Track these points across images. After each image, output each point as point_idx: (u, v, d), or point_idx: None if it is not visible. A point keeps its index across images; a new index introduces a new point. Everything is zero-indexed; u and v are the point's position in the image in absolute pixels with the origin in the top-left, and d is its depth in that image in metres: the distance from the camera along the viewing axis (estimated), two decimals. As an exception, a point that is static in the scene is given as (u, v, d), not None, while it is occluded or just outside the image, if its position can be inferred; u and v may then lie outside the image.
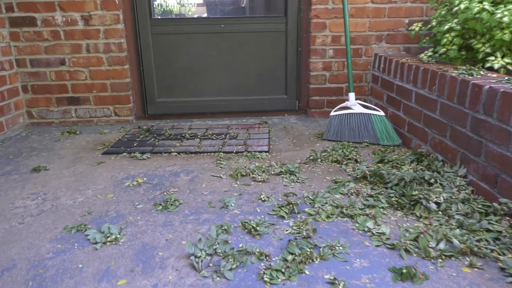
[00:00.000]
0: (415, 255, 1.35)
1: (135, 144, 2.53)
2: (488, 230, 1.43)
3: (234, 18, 2.97)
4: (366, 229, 1.51)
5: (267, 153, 2.35)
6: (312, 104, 3.07)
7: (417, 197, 1.63)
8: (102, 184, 1.98)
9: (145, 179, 2.03)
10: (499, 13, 1.93)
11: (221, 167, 2.16)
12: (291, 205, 1.66)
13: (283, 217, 1.62)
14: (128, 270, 1.30)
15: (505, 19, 1.91)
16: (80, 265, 1.33)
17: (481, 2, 2.07)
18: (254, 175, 2.02)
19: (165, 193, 1.87)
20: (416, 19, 2.88)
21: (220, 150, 2.40)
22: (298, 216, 1.62)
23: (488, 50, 2.05)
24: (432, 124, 2.09)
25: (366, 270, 1.28)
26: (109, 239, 1.47)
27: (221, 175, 2.05)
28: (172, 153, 2.38)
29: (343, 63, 2.97)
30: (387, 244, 1.41)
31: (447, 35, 2.19)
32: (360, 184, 1.89)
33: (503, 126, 1.53)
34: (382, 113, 2.46)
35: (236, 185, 1.94)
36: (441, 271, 1.26)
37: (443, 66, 2.15)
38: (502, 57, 2.01)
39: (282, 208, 1.66)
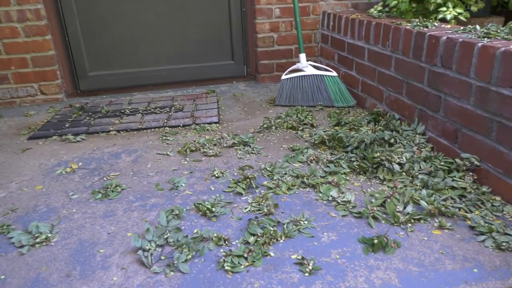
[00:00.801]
0: (383, 221, 1.27)
1: (67, 125, 2.23)
2: (453, 188, 1.38)
3: (169, -24, 2.67)
4: (330, 198, 1.40)
5: (218, 124, 2.17)
6: (261, 68, 2.89)
7: (379, 159, 1.55)
8: (29, 175, 1.70)
9: (80, 164, 1.78)
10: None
11: (167, 144, 1.96)
12: (248, 180, 1.51)
13: (240, 194, 1.47)
14: (63, 276, 1.10)
15: (457, -35, 1.83)
16: (3, 276, 1.11)
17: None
18: (205, 150, 1.84)
19: (104, 179, 1.64)
20: (362, -27, 2.75)
21: (165, 125, 2.17)
22: (257, 191, 1.48)
23: (439, 1, 1.97)
24: (387, 82, 2.01)
25: (335, 244, 1.17)
26: (38, 240, 1.24)
27: (168, 153, 1.85)
28: (111, 132, 2.13)
29: (291, 23, 2.80)
30: (353, 212, 1.32)
31: (397, -14, 2.08)
32: (319, 150, 1.78)
33: (463, 78, 1.47)
34: (334, 73, 2.35)
35: (185, 163, 1.75)
36: (412, 237, 1.19)
37: (395, 20, 2.05)
38: (454, 7, 1.94)
39: (239, 183, 1.51)
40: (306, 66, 2.40)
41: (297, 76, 2.39)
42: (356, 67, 2.33)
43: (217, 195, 1.46)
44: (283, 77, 2.42)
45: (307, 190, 1.48)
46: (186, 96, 2.69)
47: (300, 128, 2.03)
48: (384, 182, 1.49)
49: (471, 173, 1.43)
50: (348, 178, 1.53)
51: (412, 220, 1.26)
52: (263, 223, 1.25)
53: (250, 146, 1.86)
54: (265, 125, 2.09)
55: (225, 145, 1.88)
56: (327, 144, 1.80)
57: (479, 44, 1.37)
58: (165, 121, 2.23)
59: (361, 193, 1.44)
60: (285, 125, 2.06)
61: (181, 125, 2.17)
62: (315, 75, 2.36)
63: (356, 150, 1.68)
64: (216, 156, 1.79)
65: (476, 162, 1.43)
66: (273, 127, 2.07)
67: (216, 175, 1.61)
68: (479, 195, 1.33)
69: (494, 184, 1.37)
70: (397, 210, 1.30)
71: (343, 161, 1.63)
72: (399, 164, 1.51)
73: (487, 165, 1.40)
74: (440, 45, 1.58)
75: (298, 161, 1.69)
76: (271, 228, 1.22)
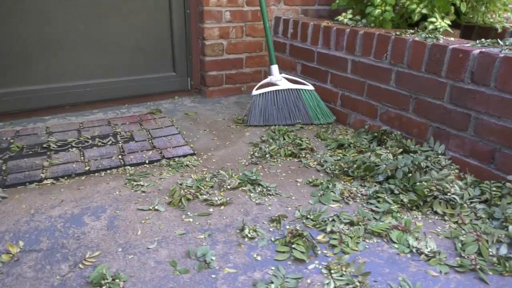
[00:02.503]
0: (491, 272, 1.07)
1: (-38, 176, 1.48)
2: (522, 217, 1.27)
3: (89, -36, 2.04)
4: (411, 248, 1.15)
5: (194, 156, 1.71)
6: (210, 81, 2.47)
7: (427, 189, 1.36)
8: None
9: (21, 244, 1.14)
10: (442, -31, 1.77)
11: (143, 192, 1.43)
12: (299, 238, 1.15)
13: (302, 261, 1.10)
14: None
15: (450, -24, 1.77)
16: None
17: (412, -43, 1.87)
18: (205, 197, 1.39)
19: (81, 266, 1.06)
20: (312, -23, 2.57)
21: (125, 163, 1.61)
22: (319, 252, 1.13)
23: (424, 11, 1.90)
24: (383, 97, 1.85)
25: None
26: None
27: (155, 207, 1.33)
28: (45, 181, 1.47)
29: (241, 29, 2.45)
30: (454, 267, 1.08)
31: (379, -6, 1.94)
32: (343, 182, 1.51)
33: (506, 96, 1.37)
34: (311, 87, 2.11)
35: (190, 219, 1.28)
36: (536, 289, 1.02)
37: (383, 30, 1.91)
38: (442, 18, 1.89)
39: (291, 245, 1.14)
40: (279, 79, 2.09)
41: (271, 91, 2.07)
42: (333, 79, 2.12)
43: (272, 268, 1.06)
44: (254, 92, 2.07)
45: (375, 241, 1.19)
46: (125, 118, 2.10)
47: (302, 155, 1.72)
48: (445, 217, 1.30)
49: (527, 197, 1.34)
50: (403, 216, 1.30)
51: (517, 266, 1.09)
52: (373, 306, 0.93)
53: (261, 184, 1.48)
54: (256, 154, 1.72)
55: (228, 186, 1.46)
56: (350, 174, 1.54)
57: (532, 61, 1.29)
58: (120, 157, 1.66)
59: (434, 235, 1.22)
60: (282, 152, 1.73)
61: (146, 161, 1.64)
62: (291, 89, 2.08)
63: (392, 180, 1.46)
64: (226, 205, 1.36)
65: (528, 185, 1.35)
66: (268, 155, 1.71)
67: (249, 235, 1.19)
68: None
69: (553, 207, 1.31)
70: (490, 253, 1.12)
71: (384, 195, 1.40)
72: (457, 195, 1.34)
73: (542, 187, 1.33)
74: (470, 59, 1.47)
75: (333, 200, 1.39)
76: (392, 313, 0.90)
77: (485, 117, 1.46)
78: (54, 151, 1.70)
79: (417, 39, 1.66)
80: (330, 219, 1.27)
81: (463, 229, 1.23)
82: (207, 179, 1.51)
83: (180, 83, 2.47)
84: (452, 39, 1.69)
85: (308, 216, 1.28)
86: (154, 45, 2.31)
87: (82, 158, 1.65)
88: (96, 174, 1.55)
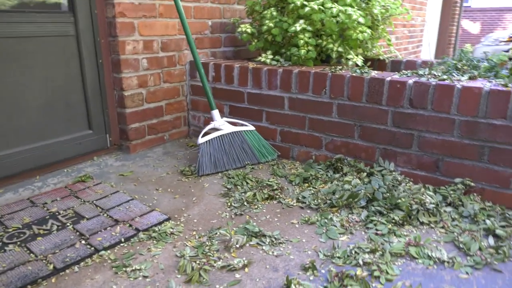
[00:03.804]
0: (496, 262, 1.27)
1: None
2: (483, 209, 1.56)
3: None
4: (434, 260, 1.27)
5: (170, 221, 1.52)
6: (133, 134, 2.23)
7: (408, 204, 1.54)
8: None
9: None
10: (353, 14, 2.06)
11: (145, 276, 1.20)
12: (348, 279, 1.15)
13: (365, 301, 1.10)
14: None
15: (361, 19, 2.07)
16: None
17: (322, 4, 2.13)
18: (220, 263, 1.25)
19: None
20: (216, 21, 2.62)
21: (96, 248, 1.32)
22: (373, 285, 1.15)
23: (340, 49, 2.17)
24: (327, 128, 2.01)
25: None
26: None
27: (174, 290, 1.14)
28: (2, 299, 1.09)
29: (159, 76, 2.32)
30: (474, 266, 1.25)
31: (301, 35, 2.13)
32: (334, 214, 1.57)
33: (443, 116, 1.68)
34: (252, 127, 2.13)
35: (224, 293, 1.13)
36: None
37: (310, 68, 2.09)
38: (356, 55, 2.18)
39: (340, 287, 1.13)
40: (223, 124, 2.05)
41: (217, 137, 2.00)
42: (269, 117, 2.19)
43: (345, 316, 1.04)
44: (200, 140, 1.97)
45: (401, 262, 1.28)
46: (50, 193, 1.72)
47: (278, 196, 1.71)
48: (431, 225, 1.49)
49: (474, 193, 1.65)
50: (404, 233, 1.43)
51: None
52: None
53: (266, 235, 1.41)
54: (234, 204, 1.64)
55: (237, 245, 1.35)
56: (335, 205, 1.61)
57: (458, 86, 1.62)
58: (83, 242, 1.35)
59: (436, 243, 1.38)
60: (259, 197, 1.69)
61: (122, 239, 1.38)
62: (235, 132, 2.06)
63: (375, 202, 1.59)
64: (249, 266, 1.25)
65: (471, 184, 1.66)
66: (246, 203, 1.65)
67: (298, 291, 1.13)
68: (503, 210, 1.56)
69: (492, 198, 1.64)
70: (485, 246, 1.34)
71: (375, 217, 1.51)
72: (432, 203, 1.55)
73: (481, 183, 1.66)
74: (407, 88, 1.74)
75: (339, 233, 1.43)
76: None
77: (426, 134, 1.74)
78: (-18, 255, 1.28)
79: (354, 74, 1.88)
80: (353, 252, 1.31)
81: (453, 232, 1.43)
82: (206, 243, 1.36)
83: (98, 141, 2.16)
84: (375, 72, 1.97)
85: (334, 255, 1.30)
86: (64, 101, 1.98)
87: (33, 255, 1.28)
88: (67, 271, 1.23)
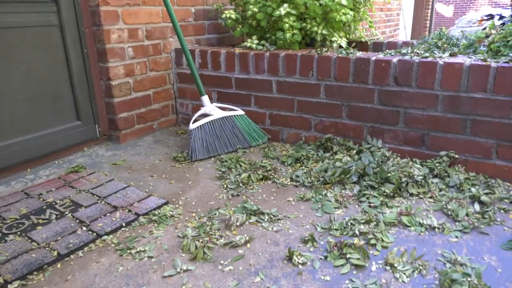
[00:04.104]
0: (482, 226, 1.35)
1: None
2: (467, 179, 1.64)
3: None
4: (425, 227, 1.34)
5: (169, 205, 1.54)
6: (122, 124, 2.22)
7: (398, 177, 1.60)
8: None
9: None
10: (336, -4, 2.10)
11: (150, 257, 1.23)
12: (346, 247, 1.21)
13: (363, 267, 1.16)
14: None
15: (344, 1, 2.11)
16: None
17: (306, -13, 2.15)
18: (222, 240, 1.29)
19: None
20: (199, 8, 2.62)
21: (98, 234, 1.34)
22: (371, 253, 1.21)
23: (324, 32, 2.21)
24: (315, 109, 2.05)
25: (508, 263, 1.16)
26: None
27: (181, 267, 1.17)
28: (10, 286, 1.10)
29: (145, 64, 2.31)
30: (463, 230, 1.33)
31: (286, 19, 2.15)
32: (328, 190, 1.62)
33: (427, 92, 1.74)
34: (242, 111, 2.15)
35: (230, 267, 1.17)
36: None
37: (297, 51, 2.12)
38: (340, 37, 2.22)
39: (345, 257, 1.18)
40: (213, 109, 2.07)
41: (208, 122, 2.02)
42: (258, 101, 2.22)
43: (346, 281, 1.09)
44: (192, 126, 1.98)
45: (394, 230, 1.34)
46: (44, 184, 1.71)
47: (272, 176, 1.76)
48: (420, 196, 1.57)
49: (458, 165, 1.73)
50: (396, 204, 1.50)
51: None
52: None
53: (264, 213, 1.45)
54: (229, 186, 1.68)
55: (237, 223, 1.38)
56: (328, 181, 1.66)
57: (441, 62, 1.69)
58: (85, 228, 1.37)
59: (426, 211, 1.46)
60: (254, 178, 1.73)
61: (123, 224, 1.40)
62: (226, 117, 2.08)
63: (366, 177, 1.65)
64: (251, 241, 1.30)
65: (455, 156, 1.74)
66: (241, 184, 1.69)
67: (300, 261, 1.18)
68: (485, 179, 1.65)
69: (475, 168, 1.73)
70: (472, 212, 1.42)
71: (367, 191, 1.58)
72: (420, 176, 1.62)
73: (465, 155, 1.74)
74: (392, 67, 1.80)
75: (334, 208, 1.49)
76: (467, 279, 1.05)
77: (412, 110, 1.81)
78: (-17, 246, 1.27)
79: (340, 55, 1.92)
80: (349, 224, 1.37)
81: (441, 201, 1.51)
82: (207, 223, 1.40)
83: (87, 132, 2.15)
84: (361, 53, 2.02)
85: (331, 227, 1.35)
86: (50, 92, 1.96)
87: (35, 244, 1.29)
88: (72, 256, 1.24)
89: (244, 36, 2.63)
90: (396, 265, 1.14)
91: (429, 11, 8.48)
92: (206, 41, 2.71)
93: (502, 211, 1.44)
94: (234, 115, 2.11)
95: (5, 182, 1.75)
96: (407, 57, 1.80)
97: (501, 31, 1.84)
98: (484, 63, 1.62)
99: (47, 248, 1.26)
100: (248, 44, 2.29)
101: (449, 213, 1.42)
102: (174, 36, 2.45)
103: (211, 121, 2.04)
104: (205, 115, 2.06)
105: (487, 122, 1.66)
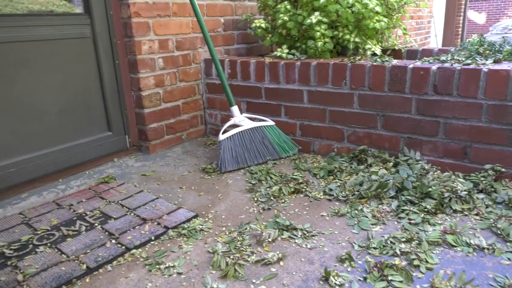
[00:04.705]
0: (539, 247, 1.24)
1: None
2: (515, 196, 1.52)
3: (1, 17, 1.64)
4: (473, 247, 1.24)
5: (198, 218, 1.50)
6: (152, 134, 2.22)
7: (441, 192, 1.50)
8: None
9: None
10: (369, 3, 2.03)
11: (179, 273, 1.18)
12: (388, 268, 1.13)
13: (407, 290, 1.07)
14: None
15: (378, 8, 2.04)
16: None
17: (337, -5, 2.10)
18: (254, 258, 1.23)
19: None
20: (228, 18, 2.61)
21: (127, 247, 1.31)
22: (415, 275, 1.12)
23: (357, 39, 2.14)
24: (348, 119, 1.98)
25: None
26: None
27: (212, 286, 1.12)
28: (39, 301, 1.08)
29: (175, 75, 2.31)
30: (515, 251, 1.22)
31: (317, 28, 2.10)
32: (364, 205, 1.54)
33: (470, 101, 1.64)
34: (271, 122, 2.10)
35: (263, 287, 1.11)
36: None
37: (329, 60, 2.06)
38: (374, 45, 2.15)
39: (386, 279, 1.10)
40: (243, 120, 2.03)
41: (237, 133, 1.99)
42: (288, 111, 2.17)
43: (390, 306, 1.01)
44: (221, 137, 1.95)
45: (439, 250, 1.25)
46: (74, 195, 1.71)
47: (304, 189, 1.69)
48: (465, 212, 1.46)
49: (506, 179, 1.61)
50: (439, 222, 1.40)
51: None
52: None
53: (297, 228, 1.39)
54: (260, 199, 1.62)
55: (269, 239, 1.32)
56: (364, 196, 1.58)
57: (485, 69, 1.58)
58: (114, 241, 1.34)
59: (472, 230, 1.35)
60: (286, 191, 1.67)
61: (152, 238, 1.37)
62: (255, 128, 2.04)
63: (405, 191, 1.56)
64: (284, 259, 1.23)
65: (502, 169, 1.63)
66: (272, 198, 1.63)
67: (338, 283, 1.10)
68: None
69: (524, 183, 1.60)
70: (524, 232, 1.30)
71: (407, 207, 1.48)
72: (464, 190, 1.52)
73: (511, 169, 1.62)
74: (431, 75, 1.71)
75: (371, 224, 1.41)
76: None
77: (453, 121, 1.70)
78: (14, 258, 1.27)
79: (375, 64, 1.85)
80: (389, 242, 1.28)
81: (489, 218, 1.40)
82: (238, 238, 1.34)
83: (118, 142, 2.15)
84: (396, 61, 1.94)
85: (369, 246, 1.27)
86: (82, 103, 1.98)
87: (65, 256, 1.27)
88: (101, 270, 1.21)
89: (274, 45, 2.60)
90: (443, 289, 1.05)
91: (461, 18, 8.22)
92: (235, 51, 2.69)
93: (558, 231, 1.32)
94: (264, 126, 2.06)
95: (37, 192, 1.77)
96: (447, 65, 1.70)
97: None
98: (534, 70, 1.51)
99: (76, 261, 1.24)
100: (278, 54, 2.25)
101: (499, 232, 1.31)
102: (203, 47, 2.45)
103: (241, 131, 2.00)
104: (234, 126, 2.02)
105: (538, 133, 1.54)
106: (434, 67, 1.70)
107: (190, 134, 2.48)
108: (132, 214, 1.54)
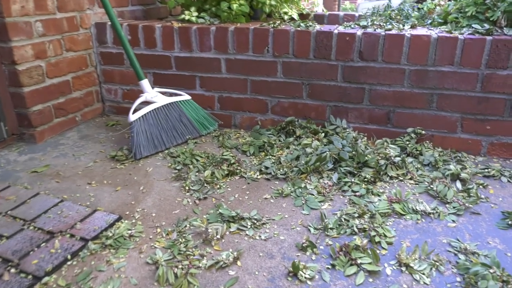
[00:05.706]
0: (471, 205, 1.31)
1: None
2: (440, 154, 1.60)
3: None
4: (420, 214, 1.25)
5: (123, 221, 1.23)
6: (37, 119, 1.77)
7: (375, 160, 1.50)
8: None
9: None
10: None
11: (115, 299, 0.94)
12: (355, 251, 1.06)
13: (377, 272, 1.02)
14: None
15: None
16: None
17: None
18: (205, 262, 1.05)
19: None
20: (119, -26, 2.19)
21: (39, 274, 0.99)
22: (383, 254, 1.07)
23: (273, 2, 1.98)
24: (272, 89, 1.85)
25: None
26: None
27: (162, 308, 0.91)
28: None
29: (60, 43, 1.85)
30: (456, 209, 1.26)
31: (231, -12, 1.88)
32: (305, 182, 1.45)
33: (394, 66, 1.65)
34: (188, 96, 1.86)
35: (224, 297, 0.94)
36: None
37: (247, 25, 1.87)
38: (291, 9, 2.02)
39: (356, 262, 1.03)
40: (155, 95, 1.74)
41: (151, 111, 1.70)
42: (204, 83, 1.94)
43: (367, 293, 0.94)
44: (132, 117, 1.64)
45: (391, 221, 1.23)
46: None
47: (239, 170, 1.53)
48: (400, 177, 1.48)
49: (426, 141, 1.69)
50: (382, 191, 1.39)
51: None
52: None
53: (244, 218, 1.23)
54: (191, 188, 1.41)
55: (218, 236, 1.14)
56: (303, 171, 1.49)
57: (408, 35, 1.59)
58: (14, 271, 1.01)
59: (412, 195, 1.37)
60: (219, 175, 1.48)
61: (68, 256, 1.07)
62: (170, 103, 1.77)
63: (342, 163, 1.52)
64: (240, 257, 1.07)
65: (422, 132, 1.70)
66: (205, 185, 1.43)
67: (308, 276, 1.00)
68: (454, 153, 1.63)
69: (441, 143, 1.70)
70: (457, 191, 1.37)
71: (347, 178, 1.44)
72: (398, 156, 1.53)
73: (431, 131, 1.70)
74: (356, 40, 1.66)
75: (319, 202, 1.33)
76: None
77: (377, 87, 1.70)
78: None
79: (298, 29, 1.73)
80: (343, 219, 1.22)
81: (423, 182, 1.44)
82: (179, 240, 1.13)
83: (-10, 132, 1.67)
84: (320, 26, 1.84)
85: (326, 227, 1.19)
86: None
87: None
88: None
89: (175, 9, 2.29)
90: (411, 264, 1.02)
91: (337, -16, 8.71)
92: (130, 14, 2.30)
93: (481, 186, 1.42)
94: (180, 101, 1.81)
95: None
96: (370, 30, 1.67)
97: (449, 1, 1.81)
98: (450, 35, 1.56)
99: None
100: (187, 17, 1.97)
101: (436, 194, 1.36)
102: (92, 7, 2.02)
103: (155, 109, 1.72)
104: (146, 103, 1.73)
105: (453, 96, 1.62)
106: (359, 32, 1.65)
107: (86, 114, 2.08)
108: (32, 227, 1.19)
